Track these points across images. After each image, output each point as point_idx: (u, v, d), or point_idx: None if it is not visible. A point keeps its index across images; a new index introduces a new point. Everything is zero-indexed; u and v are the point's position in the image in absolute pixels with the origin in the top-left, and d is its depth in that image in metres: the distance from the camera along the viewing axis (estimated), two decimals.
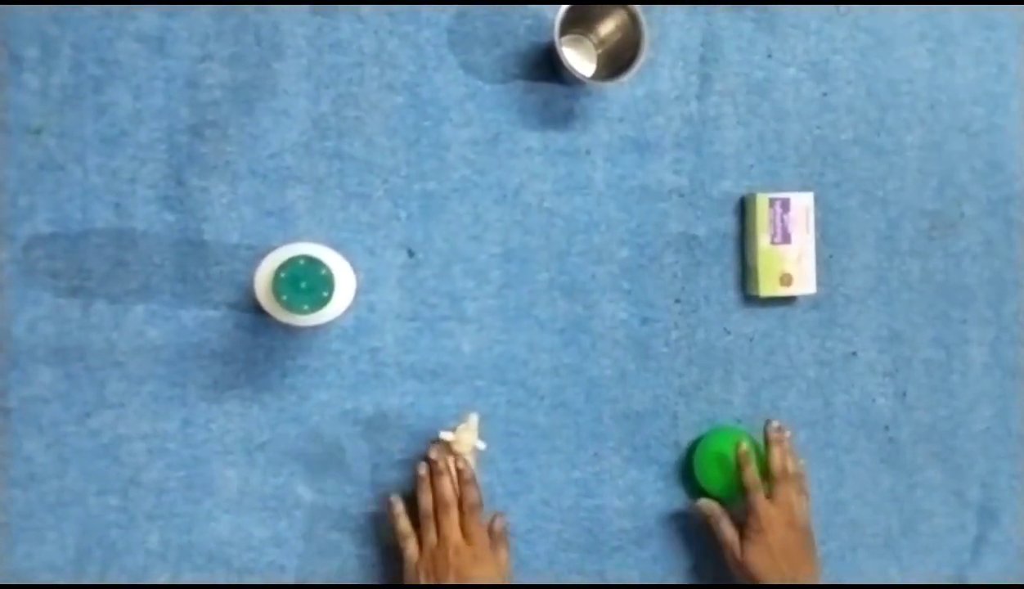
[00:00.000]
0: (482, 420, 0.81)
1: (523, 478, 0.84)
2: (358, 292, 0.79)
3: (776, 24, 0.88)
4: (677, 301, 0.87)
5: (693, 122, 0.87)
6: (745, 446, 0.80)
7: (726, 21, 0.87)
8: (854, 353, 0.91)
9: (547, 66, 0.84)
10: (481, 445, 0.79)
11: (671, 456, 0.87)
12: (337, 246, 0.77)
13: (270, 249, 0.71)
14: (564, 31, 0.78)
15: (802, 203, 0.86)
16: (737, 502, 0.82)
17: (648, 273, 0.86)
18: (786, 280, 0.86)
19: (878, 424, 0.91)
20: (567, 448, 0.85)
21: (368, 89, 0.81)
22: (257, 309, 0.73)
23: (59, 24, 0.76)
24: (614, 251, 0.85)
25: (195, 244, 0.78)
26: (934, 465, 0.93)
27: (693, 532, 0.87)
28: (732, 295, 0.88)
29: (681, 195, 0.87)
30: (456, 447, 0.78)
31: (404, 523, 0.77)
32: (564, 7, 0.75)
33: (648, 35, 0.77)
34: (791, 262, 0.86)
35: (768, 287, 0.86)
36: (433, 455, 0.78)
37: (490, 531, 0.77)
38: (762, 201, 0.85)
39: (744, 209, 0.88)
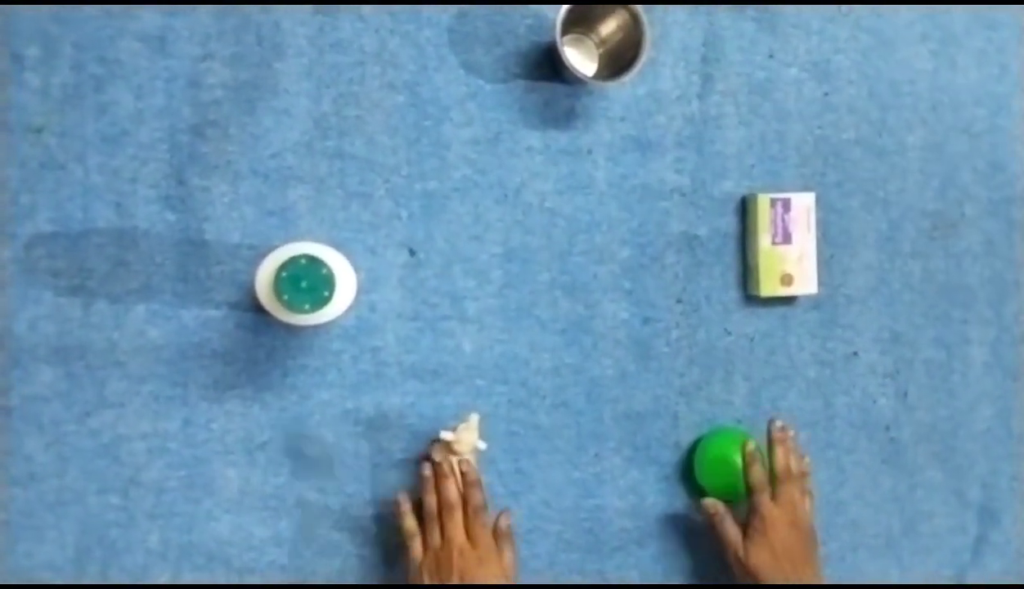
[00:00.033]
0: (483, 420, 0.81)
1: (524, 478, 0.84)
2: (359, 292, 0.79)
3: (778, 24, 0.88)
4: (678, 301, 0.87)
5: (694, 122, 0.87)
6: (752, 446, 0.80)
7: (728, 21, 0.87)
8: (855, 353, 0.91)
9: (548, 66, 0.84)
10: (482, 445, 0.79)
11: (672, 456, 0.87)
12: (338, 245, 0.77)
13: (271, 248, 0.71)
14: (565, 30, 0.78)
15: (803, 203, 0.86)
16: (737, 503, 0.81)
17: (649, 273, 0.86)
18: (787, 280, 0.86)
19: (879, 424, 0.91)
20: (568, 448, 0.85)
21: (369, 88, 0.81)
22: (258, 309, 0.73)
23: (60, 23, 0.76)
24: (615, 251, 0.85)
25: (196, 243, 0.78)
26: (935, 465, 0.93)
27: (694, 532, 0.87)
28: (733, 295, 0.88)
29: (682, 195, 0.87)
30: (457, 447, 0.77)
31: (410, 521, 0.77)
32: (565, 7, 0.75)
33: (650, 35, 0.77)
34: (792, 262, 0.86)
35: (769, 287, 0.86)
36: (436, 457, 0.78)
37: (495, 529, 0.77)
38: (763, 201, 0.85)
39: (745, 209, 0.88)
